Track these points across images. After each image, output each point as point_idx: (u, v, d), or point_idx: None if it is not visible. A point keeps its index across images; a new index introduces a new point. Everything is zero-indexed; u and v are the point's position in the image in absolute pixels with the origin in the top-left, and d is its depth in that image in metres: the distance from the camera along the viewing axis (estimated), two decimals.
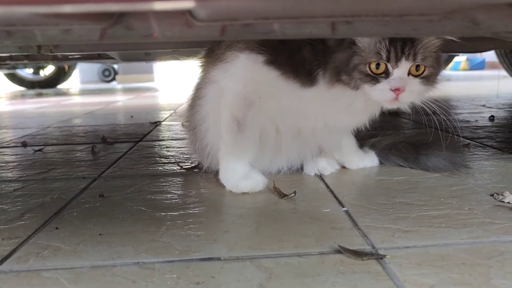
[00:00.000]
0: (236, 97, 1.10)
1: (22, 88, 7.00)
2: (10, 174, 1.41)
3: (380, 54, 0.97)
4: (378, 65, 0.98)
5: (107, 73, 8.36)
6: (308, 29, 0.58)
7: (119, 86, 7.41)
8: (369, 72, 0.99)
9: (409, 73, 1.00)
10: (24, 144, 1.93)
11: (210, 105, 1.18)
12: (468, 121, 2.14)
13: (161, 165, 1.45)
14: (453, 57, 5.31)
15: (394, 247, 0.78)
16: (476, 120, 2.17)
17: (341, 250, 0.76)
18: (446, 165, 1.24)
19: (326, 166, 1.27)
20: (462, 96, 3.43)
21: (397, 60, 0.97)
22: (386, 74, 0.99)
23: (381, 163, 1.34)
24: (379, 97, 1.01)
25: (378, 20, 0.58)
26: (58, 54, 2.10)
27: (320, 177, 1.24)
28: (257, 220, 0.93)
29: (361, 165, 1.32)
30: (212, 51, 1.17)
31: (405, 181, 1.17)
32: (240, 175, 1.12)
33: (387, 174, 1.24)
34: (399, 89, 0.98)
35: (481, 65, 8.28)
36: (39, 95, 5.83)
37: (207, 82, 1.18)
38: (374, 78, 0.99)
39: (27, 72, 6.89)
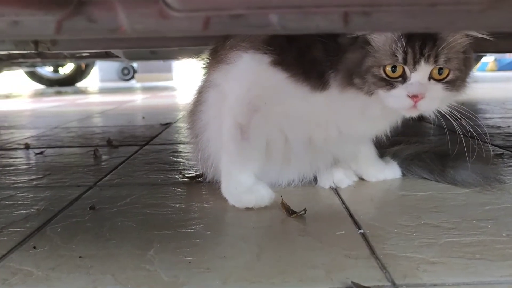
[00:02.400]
0: (239, 102, 0.98)
1: (42, 86, 7.02)
2: (2, 181, 1.32)
3: (396, 55, 0.85)
4: (394, 67, 0.86)
5: (126, 71, 8.34)
6: (314, 22, 0.46)
7: (137, 85, 7.38)
8: (384, 75, 0.87)
9: (430, 77, 0.87)
10: (27, 146, 1.85)
11: (212, 111, 1.06)
12: (499, 127, 1.98)
13: (164, 173, 1.34)
14: (481, 57, 5.09)
15: (418, 284, 0.65)
16: (509, 126, 2.01)
17: None
18: (476, 179, 1.10)
19: (342, 178, 1.14)
20: (491, 99, 3.25)
21: (415, 62, 0.85)
22: (403, 78, 0.86)
23: (403, 174, 1.21)
24: (394, 104, 0.89)
25: (403, 11, 0.46)
26: (65, 52, 2.02)
27: (335, 190, 1.12)
28: (260, 244, 0.81)
29: (382, 177, 1.19)
30: (215, 51, 1.06)
31: (431, 197, 1.04)
32: (243, 188, 1.00)
33: (411, 189, 1.11)
34: (417, 95, 0.85)
35: (509, 66, 7.99)
36: (58, 93, 5.82)
37: (208, 85, 1.07)
38: (390, 83, 0.87)
39: (46, 71, 6.90)
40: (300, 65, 0.91)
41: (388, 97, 0.88)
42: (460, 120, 0.94)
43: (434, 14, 0.46)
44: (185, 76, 8.21)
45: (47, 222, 0.95)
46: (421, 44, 0.84)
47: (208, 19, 0.46)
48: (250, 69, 0.96)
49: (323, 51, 0.90)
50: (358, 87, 0.89)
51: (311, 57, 0.91)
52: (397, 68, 0.86)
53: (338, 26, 0.46)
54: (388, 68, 0.86)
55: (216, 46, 1.07)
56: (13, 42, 1.34)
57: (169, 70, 8.11)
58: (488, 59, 7.88)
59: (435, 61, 0.85)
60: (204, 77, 1.11)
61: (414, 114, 0.92)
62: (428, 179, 1.17)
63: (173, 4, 0.44)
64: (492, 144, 1.59)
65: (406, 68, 0.86)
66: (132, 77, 8.38)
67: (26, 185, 1.26)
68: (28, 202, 1.10)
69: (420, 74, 0.86)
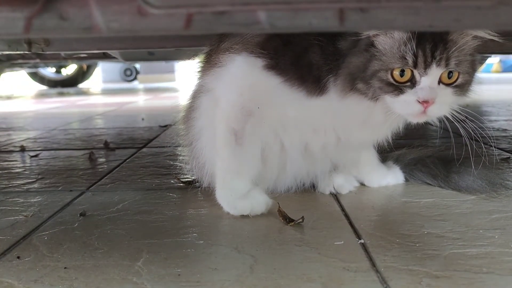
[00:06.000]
0: (232, 106, 0.94)
1: (45, 87, 7.00)
2: None
3: (406, 58, 0.80)
4: (402, 71, 0.82)
5: (128, 72, 8.31)
6: (306, 20, 0.42)
7: (140, 86, 7.35)
8: (392, 80, 0.82)
9: (439, 81, 0.83)
10: (22, 149, 1.81)
11: (205, 118, 1.02)
12: (505, 130, 1.94)
13: (159, 177, 1.30)
14: (486, 58, 5.03)
15: None
16: None
17: None
18: (482, 185, 1.05)
19: (343, 184, 1.10)
20: (496, 101, 3.20)
21: (426, 66, 0.80)
22: (412, 82, 0.82)
23: (406, 180, 1.17)
24: (403, 110, 0.85)
25: (404, 7, 0.41)
26: (62, 53, 1.99)
27: (336, 196, 1.07)
28: (254, 255, 0.77)
29: (384, 183, 1.14)
30: (210, 55, 1.02)
31: (435, 204, 0.99)
32: (238, 194, 0.96)
33: (413, 195, 1.06)
34: (427, 101, 0.81)
35: None
36: (60, 94, 5.80)
37: (201, 90, 1.03)
38: (398, 88, 0.83)
39: (49, 71, 6.88)
40: (295, 69, 0.88)
41: (396, 103, 0.84)
42: (465, 122, 0.90)
43: (438, 10, 0.42)
44: (188, 77, 8.18)
45: (35, 230, 0.91)
46: (432, 47, 0.80)
47: (190, 17, 0.42)
48: (243, 73, 0.92)
49: (320, 55, 0.86)
50: (362, 93, 0.85)
51: (308, 61, 0.87)
52: (405, 72, 0.82)
53: (332, 24, 0.42)
54: (396, 72, 0.82)
55: (210, 49, 1.03)
56: (6, 42, 1.30)
57: (171, 71, 8.09)
58: (493, 60, 7.81)
59: (446, 64, 0.81)
60: (198, 81, 1.07)
61: (422, 120, 0.88)
62: (431, 184, 1.13)
63: (151, 1, 0.40)
64: (497, 148, 1.54)
65: (416, 72, 0.81)
66: (135, 78, 8.36)
67: (17, 189, 1.23)
68: (17, 208, 1.06)
69: (431, 78, 0.81)
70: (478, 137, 0.95)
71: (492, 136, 1.74)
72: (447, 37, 0.81)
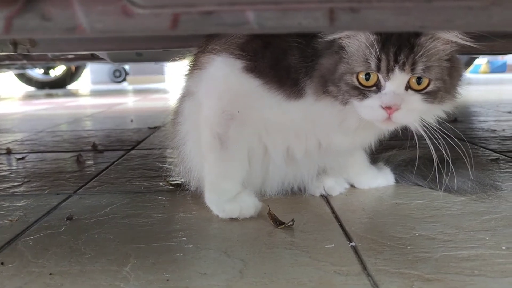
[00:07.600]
0: (214, 111, 0.93)
1: (33, 89, 6.92)
2: None
3: (369, 62, 0.78)
4: (368, 75, 0.79)
5: (117, 73, 8.25)
6: (295, 20, 0.41)
7: (129, 87, 7.30)
8: (357, 84, 0.80)
9: (408, 87, 0.80)
10: (8, 151, 1.78)
11: (190, 123, 1.01)
12: (494, 131, 1.94)
13: (148, 180, 1.28)
14: (474, 59, 5.06)
15: None
16: (504, 130, 1.97)
17: None
18: (472, 186, 1.05)
19: (333, 186, 1.09)
20: (484, 102, 3.22)
21: (389, 70, 0.78)
22: (378, 87, 0.80)
23: (396, 181, 1.16)
24: (368, 115, 0.82)
25: (395, 8, 0.41)
26: (49, 54, 1.96)
27: (326, 198, 1.07)
28: (243, 259, 0.76)
29: (374, 185, 1.13)
30: (197, 57, 1.00)
31: (426, 206, 0.99)
32: (227, 197, 0.94)
33: (404, 197, 1.06)
34: (391, 107, 0.79)
35: (502, 68, 7.99)
36: (49, 95, 5.74)
37: (185, 94, 1.02)
38: (362, 92, 0.80)
39: (37, 73, 6.80)
40: (274, 72, 0.86)
41: (361, 108, 0.82)
42: (433, 132, 0.88)
43: (429, 11, 0.42)
44: (178, 78, 8.13)
45: (20, 235, 0.90)
46: (396, 50, 0.77)
47: (176, 17, 0.40)
48: (222, 75, 0.90)
49: (299, 57, 0.84)
50: (333, 96, 0.83)
51: (286, 64, 0.85)
52: (371, 76, 0.79)
53: (322, 24, 0.41)
54: (361, 76, 0.80)
55: (198, 51, 1.01)
56: None
57: (161, 72, 8.04)
58: (481, 61, 7.88)
59: (412, 70, 0.78)
60: (184, 84, 1.06)
61: (390, 127, 0.86)
62: (422, 186, 1.13)
63: (137, 1, 0.39)
64: (487, 149, 1.54)
65: (380, 77, 0.79)
66: (124, 79, 8.30)
67: (2, 193, 1.20)
68: (2, 212, 1.04)
69: (395, 83, 0.79)
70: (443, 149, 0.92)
71: (481, 137, 1.75)
72: (415, 41, 0.78)
